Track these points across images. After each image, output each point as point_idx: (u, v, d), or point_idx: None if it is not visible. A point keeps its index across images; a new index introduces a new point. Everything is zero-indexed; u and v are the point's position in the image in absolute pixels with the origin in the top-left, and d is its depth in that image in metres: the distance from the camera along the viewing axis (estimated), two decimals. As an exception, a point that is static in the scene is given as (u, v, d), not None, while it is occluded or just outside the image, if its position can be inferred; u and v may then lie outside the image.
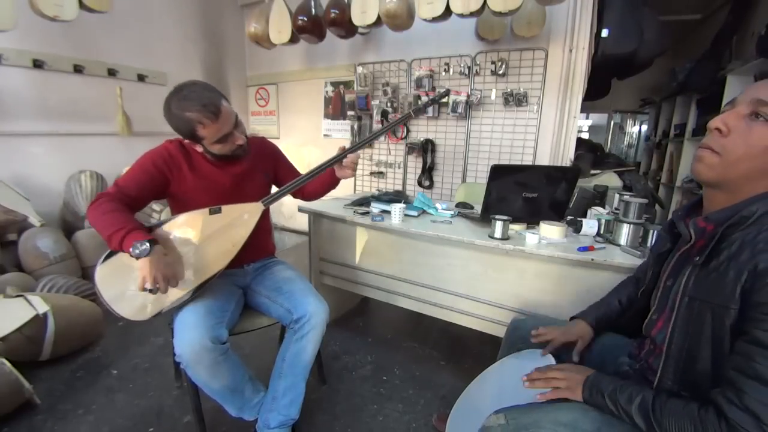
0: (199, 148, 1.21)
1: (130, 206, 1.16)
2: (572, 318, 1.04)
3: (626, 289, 1.03)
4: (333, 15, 2.49)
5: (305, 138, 3.74)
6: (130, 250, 1.03)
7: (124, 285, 1.13)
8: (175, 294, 1.13)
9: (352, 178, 3.39)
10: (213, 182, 1.26)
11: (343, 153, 1.35)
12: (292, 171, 1.52)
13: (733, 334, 0.61)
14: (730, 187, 0.67)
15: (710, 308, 0.64)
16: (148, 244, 1.04)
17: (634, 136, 6.08)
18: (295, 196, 1.52)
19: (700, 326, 0.66)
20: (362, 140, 1.48)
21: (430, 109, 2.86)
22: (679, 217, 0.81)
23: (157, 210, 2.60)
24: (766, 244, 0.59)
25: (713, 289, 0.64)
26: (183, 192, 1.24)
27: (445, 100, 2.72)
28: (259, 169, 1.38)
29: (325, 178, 1.44)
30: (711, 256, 0.67)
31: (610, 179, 2.63)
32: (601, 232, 1.47)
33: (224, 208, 1.21)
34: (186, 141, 1.20)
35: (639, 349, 0.86)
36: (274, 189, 1.44)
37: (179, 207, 1.25)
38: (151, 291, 1.05)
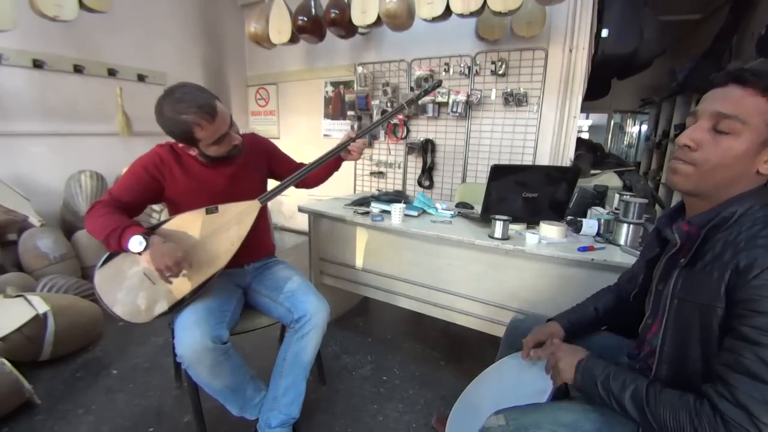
0: (194, 151, 1.19)
1: (125, 212, 1.16)
2: (548, 320, 1.05)
3: (604, 298, 1.03)
4: (333, 15, 2.49)
5: (305, 138, 3.74)
6: (129, 247, 1.05)
7: (124, 288, 1.13)
8: (175, 294, 1.13)
9: (352, 179, 3.40)
10: (206, 184, 1.26)
11: (350, 139, 1.40)
12: (290, 163, 1.51)
13: (721, 332, 0.63)
14: (707, 194, 0.70)
15: (698, 308, 0.66)
16: (143, 238, 1.05)
17: (634, 136, 6.08)
18: (297, 186, 1.52)
19: (689, 327, 0.67)
20: (367, 127, 1.50)
21: (430, 109, 2.86)
22: (664, 224, 0.83)
23: (156, 210, 2.60)
24: (747, 243, 0.61)
25: (700, 290, 0.66)
26: (177, 196, 1.24)
27: (444, 99, 2.72)
28: (252, 167, 1.37)
29: (329, 163, 1.46)
30: (696, 258, 0.69)
31: (610, 179, 2.63)
32: (601, 232, 1.47)
33: (221, 207, 1.21)
34: (180, 144, 1.19)
35: (638, 350, 0.87)
36: (271, 184, 1.43)
37: (175, 211, 1.25)
38: (170, 277, 1.08)
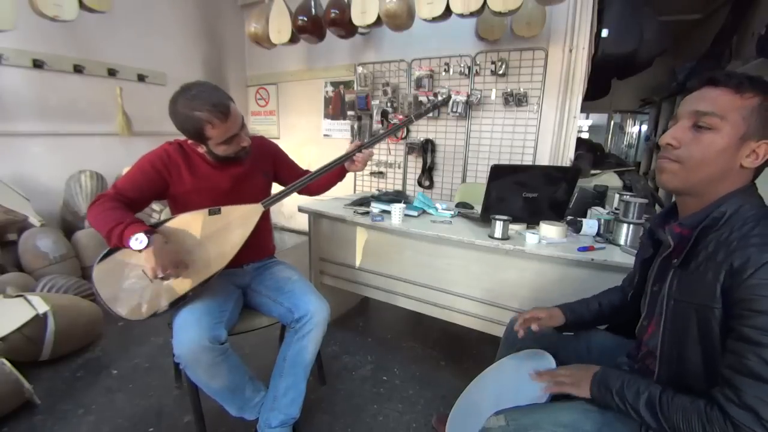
0: (202, 149, 1.20)
1: (129, 207, 1.16)
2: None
3: (609, 296, 1.03)
4: (333, 15, 2.49)
5: (305, 138, 3.74)
6: (130, 244, 1.04)
7: (122, 284, 1.13)
8: (173, 292, 1.13)
9: (352, 179, 3.40)
10: (211, 184, 1.26)
11: (357, 149, 1.40)
12: (294, 169, 1.52)
13: (721, 333, 0.63)
14: (696, 192, 0.71)
15: (694, 309, 0.66)
16: (145, 236, 1.04)
17: (634, 136, 6.07)
18: (300, 192, 1.52)
19: (686, 328, 0.67)
20: (374, 138, 1.49)
21: (430, 109, 2.86)
22: (657, 225, 0.84)
23: (156, 210, 2.60)
24: (739, 243, 0.62)
25: (695, 290, 0.66)
26: (181, 194, 1.24)
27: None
28: (258, 170, 1.38)
29: (333, 173, 1.45)
30: (690, 259, 0.69)
31: (610, 179, 2.64)
32: (601, 232, 1.47)
33: (224, 209, 1.21)
34: (189, 141, 1.20)
35: (637, 350, 0.87)
36: (275, 188, 1.44)
37: (178, 209, 1.25)
38: (163, 279, 1.06)
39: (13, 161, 2.37)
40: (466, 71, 2.71)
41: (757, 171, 0.69)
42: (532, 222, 1.56)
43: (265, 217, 1.38)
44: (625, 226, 1.37)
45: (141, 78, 2.95)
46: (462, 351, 1.91)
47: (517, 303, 1.45)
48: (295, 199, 1.65)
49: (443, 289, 1.60)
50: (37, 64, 2.39)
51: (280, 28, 2.80)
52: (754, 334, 0.57)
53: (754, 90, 0.65)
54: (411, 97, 2.88)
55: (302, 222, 3.08)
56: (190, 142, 1.20)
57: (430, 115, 2.89)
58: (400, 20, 2.32)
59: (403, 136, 3.07)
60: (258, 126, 4.02)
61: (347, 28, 2.55)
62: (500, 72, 2.56)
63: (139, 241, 1.03)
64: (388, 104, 2.99)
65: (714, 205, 0.68)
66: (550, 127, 2.54)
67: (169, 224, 1.17)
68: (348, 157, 1.41)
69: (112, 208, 1.10)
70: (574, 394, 0.78)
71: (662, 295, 0.74)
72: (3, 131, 2.31)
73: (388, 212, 1.70)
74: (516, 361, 1.04)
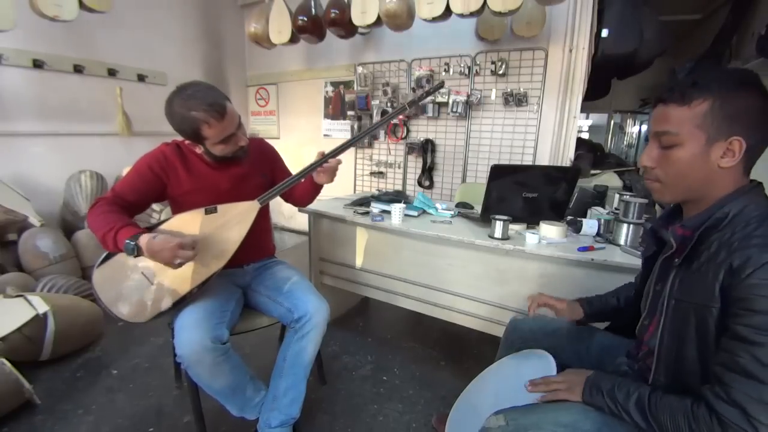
0: (200, 149, 1.20)
1: (127, 210, 1.16)
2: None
3: (625, 291, 1.04)
4: (333, 15, 2.49)
5: (305, 138, 3.74)
6: (124, 251, 1.05)
7: (122, 287, 1.13)
8: (173, 294, 1.13)
9: (352, 179, 3.40)
10: (210, 184, 1.26)
11: (323, 158, 1.28)
12: (288, 175, 1.51)
13: (717, 332, 0.63)
14: (691, 198, 0.73)
15: (693, 308, 0.66)
16: (133, 243, 1.04)
17: (634, 136, 6.07)
18: (286, 200, 1.51)
19: (685, 327, 0.68)
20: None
21: (430, 109, 2.86)
22: (660, 225, 0.85)
23: (157, 210, 2.60)
24: (740, 243, 0.62)
25: (695, 290, 0.67)
26: (180, 195, 1.24)
27: (444, 99, 2.72)
28: (257, 171, 1.37)
29: (306, 186, 1.40)
30: (692, 259, 0.70)
31: (610, 179, 2.64)
32: (601, 232, 1.47)
33: (220, 207, 1.21)
34: (186, 142, 1.20)
35: (637, 350, 0.87)
36: None
37: (178, 210, 1.25)
38: (179, 265, 1.07)
39: (13, 161, 2.37)
40: (466, 71, 2.71)
41: (748, 165, 0.68)
42: (532, 222, 1.56)
43: (265, 216, 1.38)
44: (625, 226, 1.37)
45: (141, 78, 2.95)
46: (462, 351, 1.91)
47: (517, 303, 1.45)
48: (295, 200, 1.64)
49: (443, 289, 1.60)
50: (37, 64, 2.39)
51: (280, 28, 2.80)
52: (748, 333, 0.58)
53: (701, 95, 0.65)
54: (411, 97, 2.88)
55: (302, 222, 3.08)
56: (187, 142, 1.20)
57: (430, 114, 2.89)
58: (400, 20, 2.32)
59: (403, 136, 3.07)
60: (258, 126, 4.02)
61: (347, 28, 2.55)
62: (500, 72, 2.56)
63: (129, 250, 1.04)
64: (388, 104, 2.99)
65: (717, 206, 0.68)
66: (550, 127, 2.54)
67: (165, 225, 1.17)
68: (312, 169, 1.29)
69: (108, 212, 1.11)
70: (569, 399, 0.78)
71: (664, 294, 0.74)
72: (3, 131, 2.31)
73: (388, 212, 1.70)
74: (516, 361, 1.04)
